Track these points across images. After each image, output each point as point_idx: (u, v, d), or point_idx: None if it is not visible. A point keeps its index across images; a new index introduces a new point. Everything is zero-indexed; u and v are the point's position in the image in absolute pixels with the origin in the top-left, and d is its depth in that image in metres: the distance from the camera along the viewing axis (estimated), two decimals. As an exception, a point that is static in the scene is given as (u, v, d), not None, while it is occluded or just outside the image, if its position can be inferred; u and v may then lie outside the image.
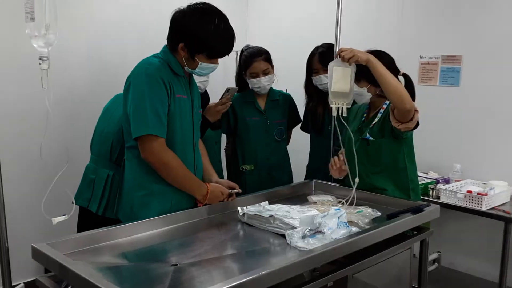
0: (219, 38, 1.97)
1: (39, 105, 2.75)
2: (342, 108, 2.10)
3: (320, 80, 2.74)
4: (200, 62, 1.99)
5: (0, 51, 2.70)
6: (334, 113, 2.13)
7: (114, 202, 2.36)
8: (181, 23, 1.97)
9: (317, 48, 2.81)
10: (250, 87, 2.84)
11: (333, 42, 2.74)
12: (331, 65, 2.13)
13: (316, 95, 2.84)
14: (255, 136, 2.88)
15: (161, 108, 1.92)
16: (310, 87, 2.85)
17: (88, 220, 2.40)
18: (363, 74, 2.18)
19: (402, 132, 2.18)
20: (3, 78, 2.56)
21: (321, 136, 2.89)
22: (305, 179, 3.04)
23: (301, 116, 3.07)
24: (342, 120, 2.14)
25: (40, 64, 1.53)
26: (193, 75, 2.14)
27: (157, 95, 1.91)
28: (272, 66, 2.83)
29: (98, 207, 2.36)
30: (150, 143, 1.91)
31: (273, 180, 2.86)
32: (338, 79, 2.09)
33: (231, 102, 2.65)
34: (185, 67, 2.02)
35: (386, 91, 2.08)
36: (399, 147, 2.29)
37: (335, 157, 2.38)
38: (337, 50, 2.65)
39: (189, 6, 1.98)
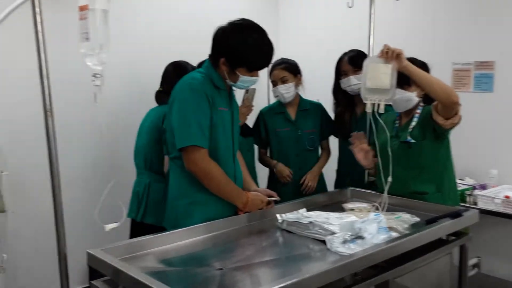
0: (258, 52, 2.04)
1: (91, 120, 2.91)
2: (378, 105, 2.10)
3: (348, 81, 2.73)
4: (240, 76, 2.06)
5: (56, 69, 2.85)
6: (368, 109, 2.12)
7: (152, 208, 2.46)
8: (221, 39, 2.05)
9: (345, 53, 2.81)
10: (274, 96, 2.92)
11: (363, 51, 2.78)
12: (366, 61, 2.14)
13: (344, 99, 2.85)
14: (286, 147, 2.92)
15: (204, 120, 2.00)
16: (338, 92, 2.86)
17: (138, 231, 2.51)
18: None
19: (446, 130, 2.21)
20: (60, 95, 2.68)
21: (348, 141, 2.91)
22: (335, 184, 3.07)
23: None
24: (378, 117, 2.14)
25: (93, 81, 1.62)
26: (233, 88, 2.21)
27: (200, 108, 1.99)
28: (294, 75, 2.86)
29: (137, 213, 2.46)
30: (193, 153, 1.99)
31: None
32: (376, 76, 2.08)
33: (253, 105, 2.72)
34: (226, 81, 2.09)
35: (431, 90, 2.10)
36: (439, 149, 2.32)
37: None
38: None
39: (229, 23, 2.06)
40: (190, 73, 2.12)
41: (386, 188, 2.21)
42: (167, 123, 2.11)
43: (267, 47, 2.07)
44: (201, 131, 1.98)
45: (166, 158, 2.46)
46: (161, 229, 2.11)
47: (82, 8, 1.55)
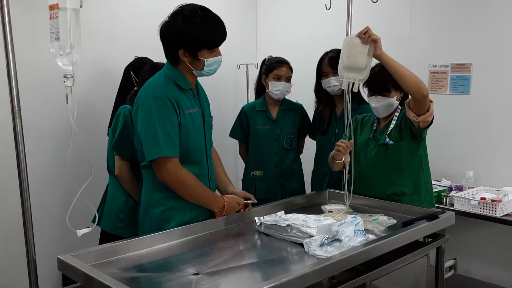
0: (210, 27, 1.96)
1: (62, 121, 2.85)
2: (353, 84, 2.11)
3: (329, 82, 2.80)
4: (205, 60, 1.99)
5: (24, 69, 2.79)
6: (344, 87, 2.13)
7: (108, 212, 2.43)
8: (170, 31, 1.97)
9: (326, 53, 2.87)
10: (270, 89, 2.93)
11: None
12: (345, 39, 2.14)
13: (326, 98, 2.92)
14: (265, 144, 2.99)
15: (171, 128, 1.93)
16: (320, 91, 2.93)
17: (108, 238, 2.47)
18: (392, 83, 2.22)
19: (420, 130, 2.22)
20: (28, 96, 2.61)
21: (326, 137, 2.95)
22: (311, 185, 3.11)
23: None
24: (348, 96, 2.15)
25: (64, 81, 1.58)
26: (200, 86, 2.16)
27: (166, 117, 1.92)
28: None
29: (95, 216, 2.42)
30: (164, 164, 1.92)
31: (282, 187, 2.99)
32: (353, 54, 2.09)
33: None
34: (193, 72, 2.03)
35: (402, 81, 2.10)
36: (416, 150, 2.34)
37: (341, 140, 2.33)
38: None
39: (169, 15, 1.99)
40: (153, 78, 2.04)
41: (352, 184, 2.25)
42: (135, 130, 2.03)
43: (217, 20, 2.00)
44: (169, 140, 1.92)
45: (116, 158, 2.39)
46: (114, 237, 2.10)
47: (52, 7, 1.50)
